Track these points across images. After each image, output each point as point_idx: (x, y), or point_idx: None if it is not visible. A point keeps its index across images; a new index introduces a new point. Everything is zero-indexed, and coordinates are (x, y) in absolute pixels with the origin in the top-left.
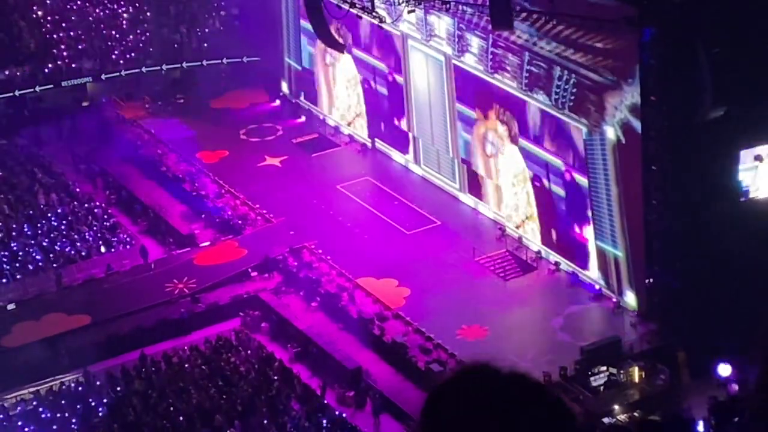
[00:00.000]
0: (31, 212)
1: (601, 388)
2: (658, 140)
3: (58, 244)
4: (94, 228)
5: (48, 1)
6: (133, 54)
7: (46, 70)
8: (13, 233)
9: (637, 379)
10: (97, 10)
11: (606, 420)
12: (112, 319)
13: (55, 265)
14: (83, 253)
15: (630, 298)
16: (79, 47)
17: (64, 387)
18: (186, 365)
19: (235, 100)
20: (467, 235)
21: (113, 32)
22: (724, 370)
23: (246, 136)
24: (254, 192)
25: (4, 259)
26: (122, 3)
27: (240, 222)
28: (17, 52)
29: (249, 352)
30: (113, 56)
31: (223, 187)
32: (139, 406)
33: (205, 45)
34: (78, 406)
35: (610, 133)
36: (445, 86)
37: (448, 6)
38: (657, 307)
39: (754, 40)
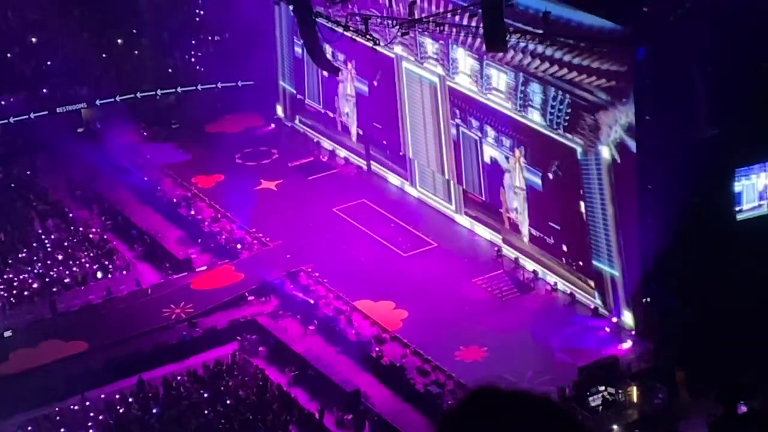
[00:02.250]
0: (27, 239)
1: (600, 408)
2: (653, 159)
3: (55, 270)
4: (91, 254)
5: (42, 27)
6: (127, 79)
7: (41, 97)
8: (9, 260)
9: (635, 399)
10: (91, 37)
11: None
12: (110, 345)
13: (53, 290)
14: (80, 280)
15: (627, 318)
16: (74, 73)
17: (61, 414)
18: (184, 390)
19: (230, 125)
20: (464, 257)
21: (107, 58)
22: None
23: (241, 160)
24: (250, 216)
25: (1, 287)
26: (116, 29)
27: (236, 246)
28: (12, 79)
29: (247, 377)
30: (108, 82)
31: (219, 211)
32: None
33: (200, 69)
34: None
35: (605, 152)
36: (439, 107)
37: (441, 28)
38: (654, 326)
39: (747, 59)
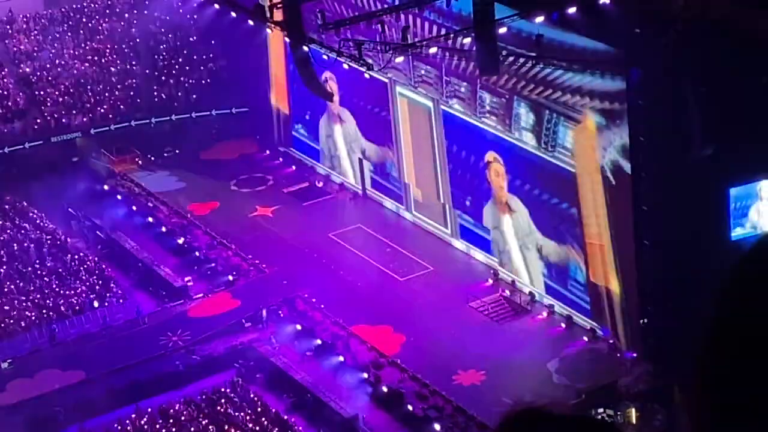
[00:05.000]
0: (22, 269)
1: None
2: (648, 180)
3: (51, 299)
4: (87, 283)
5: (36, 57)
6: (122, 108)
7: (35, 127)
8: (5, 290)
9: (634, 421)
10: (85, 65)
11: None
12: (107, 373)
13: (48, 321)
14: (76, 309)
15: (625, 339)
16: (68, 103)
17: None
18: (182, 418)
19: (224, 152)
20: (460, 280)
21: (101, 87)
22: None
23: (236, 186)
24: (246, 242)
25: None
26: (110, 57)
27: (233, 273)
28: (6, 109)
29: (245, 403)
30: (102, 111)
31: (215, 238)
32: None
33: (194, 97)
34: None
35: (600, 174)
36: (434, 131)
37: (435, 52)
38: (652, 348)
39: (740, 78)
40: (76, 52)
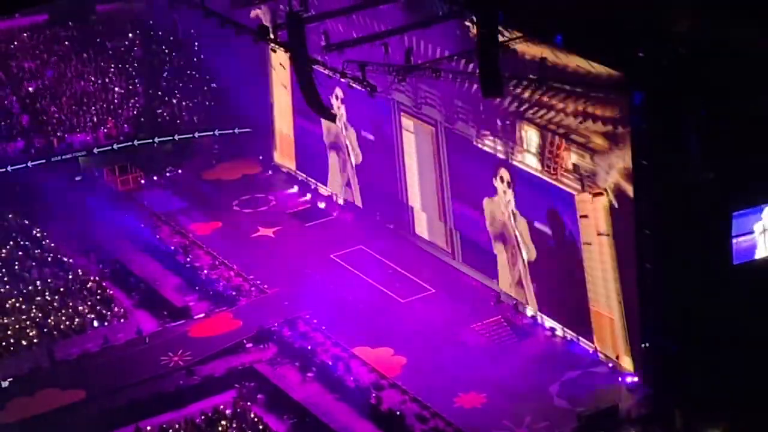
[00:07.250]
0: (24, 287)
1: None
2: (650, 204)
3: (52, 318)
4: (88, 302)
5: (39, 77)
6: (125, 127)
7: (38, 145)
8: (6, 308)
9: None
10: (89, 85)
11: None
12: (107, 393)
13: (48, 340)
14: (77, 328)
15: (626, 363)
16: (71, 122)
17: None
18: None
19: (227, 172)
20: (462, 303)
21: (105, 106)
22: None
23: (239, 207)
24: (248, 263)
25: None
26: (113, 77)
27: (234, 293)
28: (9, 127)
29: (245, 424)
30: (105, 130)
31: (217, 258)
32: None
33: (196, 118)
34: None
35: (603, 197)
36: (439, 153)
37: (438, 74)
38: (653, 372)
39: (744, 101)
40: (81, 71)
